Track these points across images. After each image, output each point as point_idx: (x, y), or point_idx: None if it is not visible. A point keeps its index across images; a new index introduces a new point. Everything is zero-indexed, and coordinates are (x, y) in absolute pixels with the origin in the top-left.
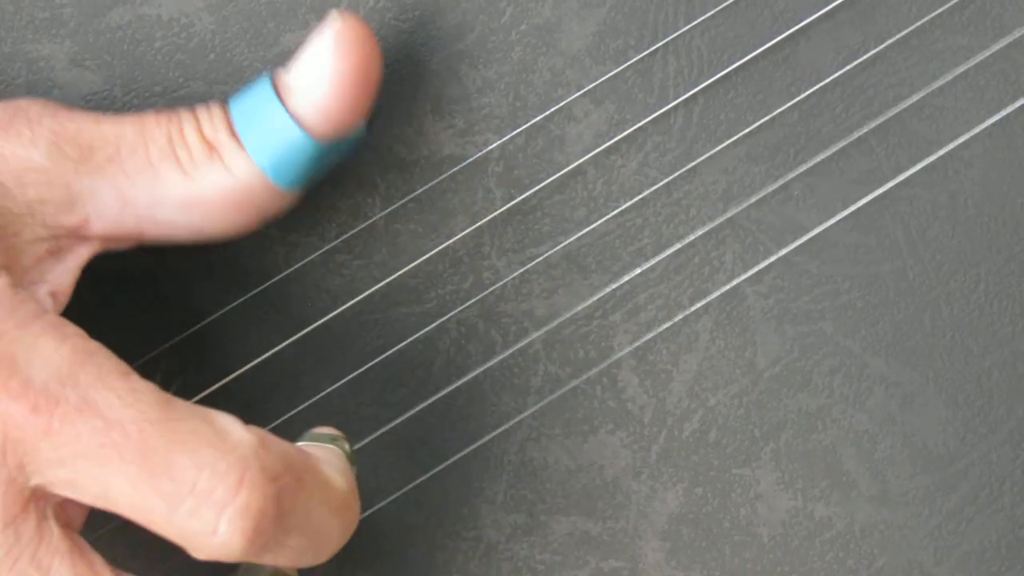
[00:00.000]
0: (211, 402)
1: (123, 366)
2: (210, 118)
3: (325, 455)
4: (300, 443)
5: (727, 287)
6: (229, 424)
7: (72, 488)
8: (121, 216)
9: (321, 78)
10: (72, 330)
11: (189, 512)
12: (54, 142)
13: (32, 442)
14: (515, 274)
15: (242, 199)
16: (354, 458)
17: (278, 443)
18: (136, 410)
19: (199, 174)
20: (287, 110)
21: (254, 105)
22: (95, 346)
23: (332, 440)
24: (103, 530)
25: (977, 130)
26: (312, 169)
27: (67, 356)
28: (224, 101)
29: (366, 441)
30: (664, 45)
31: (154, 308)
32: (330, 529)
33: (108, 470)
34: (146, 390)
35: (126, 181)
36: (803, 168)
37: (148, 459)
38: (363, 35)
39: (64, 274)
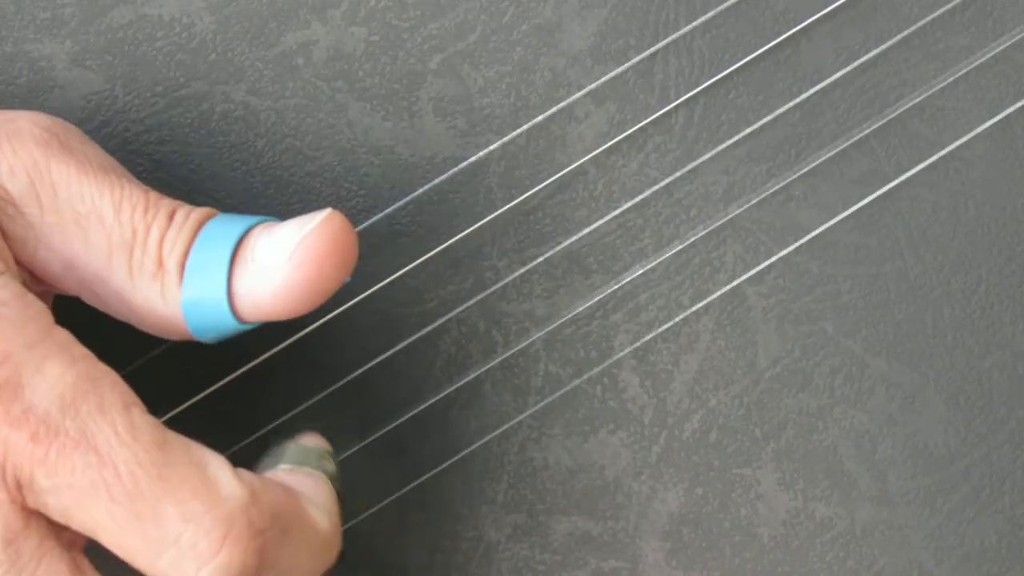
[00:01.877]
0: (211, 402)
1: (127, 396)
2: (176, 235)
3: (313, 489)
4: (285, 465)
5: (728, 287)
6: (221, 474)
7: (63, 516)
8: (65, 274)
9: (271, 276)
10: (79, 352)
11: (170, 562)
12: (31, 180)
13: (30, 468)
14: (516, 274)
15: (166, 325)
16: (337, 476)
17: (268, 493)
18: (130, 450)
19: (141, 283)
20: (227, 286)
21: (210, 253)
22: (102, 372)
23: (319, 459)
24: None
25: (978, 130)
26: (233, 335)
27: (71, 383)
28: (209, 215)
29: (366, 442)
30: (665, 45)
31: None
32: (308, 571)
33: (97, 506)
34: (144, 428)
35: (82, 248)
36: (804, 168)
37: (136, 503)
38: (335, 246)
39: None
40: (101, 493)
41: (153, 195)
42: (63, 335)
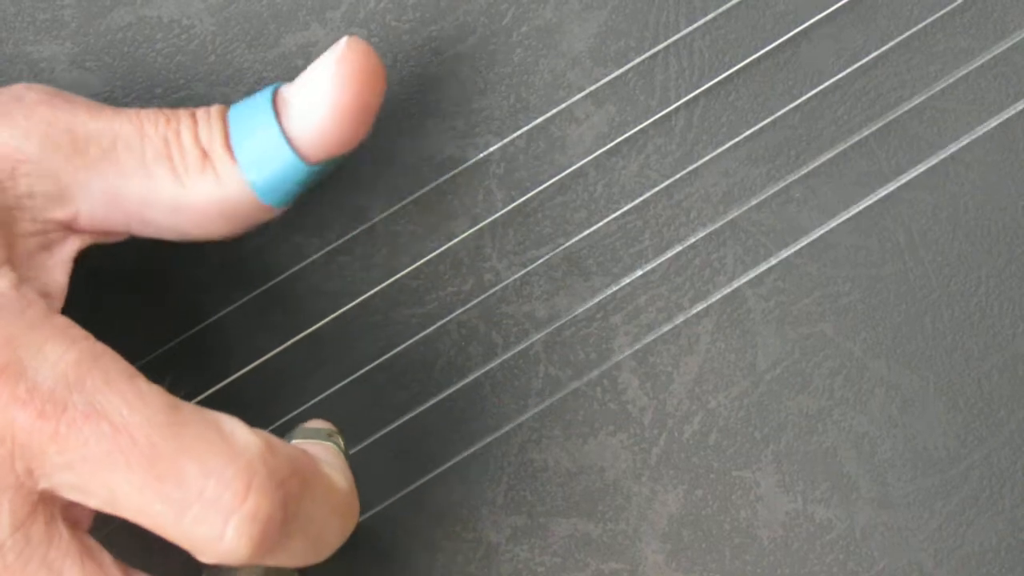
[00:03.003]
0: (211, 404)
1: (130, 369)
2: (208, 125)
3: (325, 454)
4: (296, 440)
5: (728, 289)
6: (235, 428)
7: (79, 492)
8: (110, 212)
9: (318, 105)
10: (79, 333)
11: (196, 518)
12: (48, 134)
13: (39, 447)
14: (516, 276)
15: (229, 210)
16: (347, 453)
17: (284, 447)
18: (143, 415)
19: (190, 181)
20: (282, 131)
21: (251, 119)
22: (102, 349)
23: (328, 436)
24: (108, 529)
25: (978, 132)
26: (303, 188)
27: (74, 361)
28: (226, 106)
29: (366, 443)
30: (665, 47)
31: (154, 310)
32: (331, 529)
33: (115, 475)
34: (153, 394)
35: (118, 179)
36: (804, 170)
37: (155, 465)
38: (368, 63)
39: (56, 269)
40: (118, 460)
41: (166, 109)
42: (62, 319)
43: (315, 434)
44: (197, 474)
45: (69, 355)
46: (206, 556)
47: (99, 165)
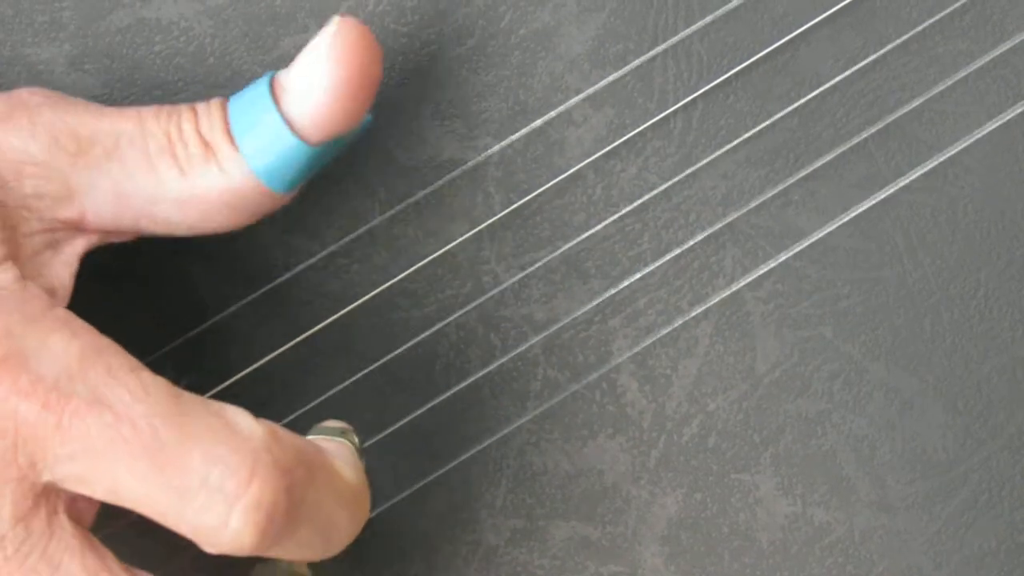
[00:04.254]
0: None
1: (132, 361)
2: (208, 117)
3: (335, 448)
4: (309, 436)
5: (727, 292)
6: (240, 417)
7: (83, 483)
8: (118, 210)
9: (316, 85)
10: (81, 325)
11: (201, 507)
12: (52, 135)
13: (43, 439)
14: (514, 279)
15: (237, 200)
16: (362, 452)
17: (289, 436)
18: (146, 405)
19: (195, 174)
20: (281, 115)
21: (250, 107)
22: (105, 342)
23: (341, 434)
24: (109, 529)
25: (977, 135)
26: (308, 171)
27: (77, 352)
28: (225, 98)
29: (366, 445)
30: (664, 50)
31: (154, 311)
32: (340, 521)
33: (119, 465)
34: (156, 384)
35: (124, 176)
36: (803, 173)
37: (159, 454)
38: (362, 40)
39: (62, 267)
40: (121, 451)
41: (166, 106)
42: (63, 312)
43: (328, 431)
44: (201, 462)
45: (72, 347)
46: (212, 546)
47: (104, 164)
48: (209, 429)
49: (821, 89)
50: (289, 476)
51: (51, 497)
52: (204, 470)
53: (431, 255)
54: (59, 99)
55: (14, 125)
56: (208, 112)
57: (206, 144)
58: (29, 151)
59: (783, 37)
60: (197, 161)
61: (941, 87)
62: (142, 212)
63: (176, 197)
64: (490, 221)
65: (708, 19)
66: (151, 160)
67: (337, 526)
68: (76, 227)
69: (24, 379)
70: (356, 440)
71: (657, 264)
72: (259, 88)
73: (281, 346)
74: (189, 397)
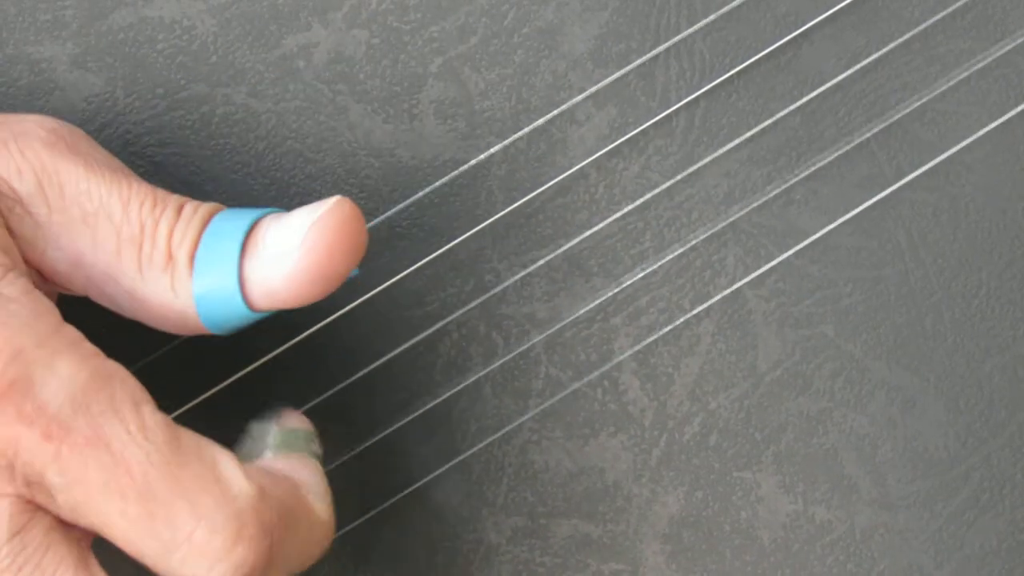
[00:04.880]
0: (212, 405)
1: (137, 394)
2: (185, 228)
3: (311, 478)
4: (278, 449)
5: (728, 290)
6: (232, 472)
7: (73, 513)
8: (72, 272)
9: (280, 263)
10: (90, 350)
11: (182, 560)
12: (38, 180)
13: (40, 466)
14: (516, 277)
15: (176, 319)
16: (321, 457)
17: (275, 488)
18: (143, 450)
19: (151, 277)
20: (238, 275)
21: (221, 243)
22: (112, 369)
23: (307, 442)
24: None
25: (979, 134)
26: (247, 325)
27: (83, 381)
28: (218, 209)
29: (368, 443)
30: (666, 49)
31: None
32: (307, 560)
33: (109, 505)
34: (156, 427)
35: (89, 245)
36: (805, 172)
37: (149, 502)
38: (342, 235)
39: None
40: (113, 492)
41: (160, 192)
42: (72, 332)
43: (294, 441)
44: (189, 517)
45: (80, 374)
46: None
47: (76, 227)
48: (201, 482)
49: (823, 88)
50: (271, 536)
51: (47, 514)
52: (191, 525)
53: (433, 253)
54: (61, 142)
55: (7, 155)
56: (188, 222)
57: (169, 255)
58: (15, 187)
59: (785, 36)
60: (157, 267)
61: (943, 86)
62: (92, 283)
63: (129, 288)
64: (492, 219)
65: (710, 18)
66: (119, 243)
67: (303, 564)
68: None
69: (28, 405)
70: (319, 449)
71: (659, 262)
72: (234, 235)
73: (282, 346)
74: (186, 441)
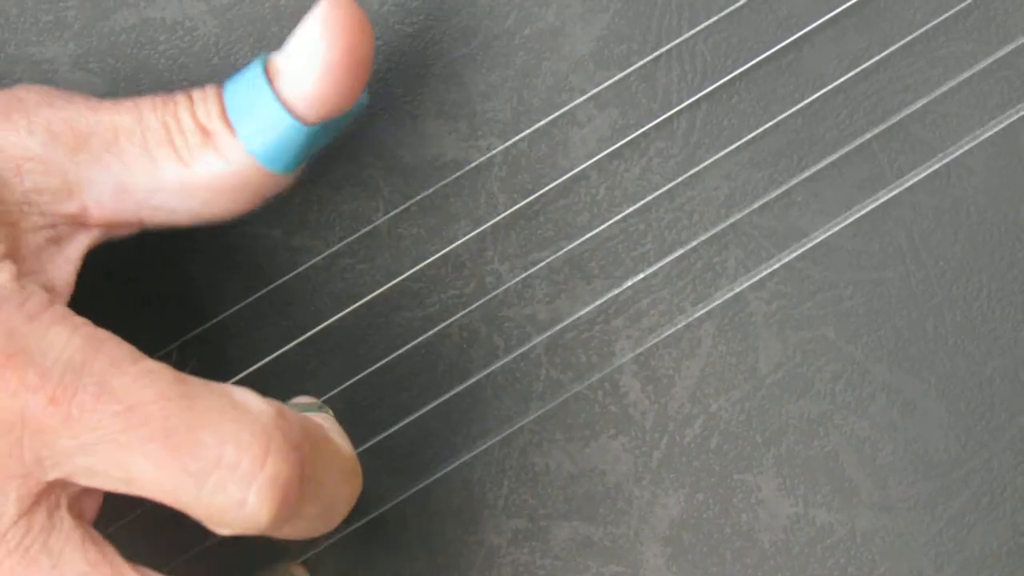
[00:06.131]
0: None
1: (134, 351)
2: (205, 103)
3: (326, 422)
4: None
5: (729, 293)
6: (247, 396)
7: (94, 475)
8: (119, 203)
9: (309, 65)
10: (79, 320)
11: (216, 486)
12: (50, 131)
13: (52, 433)
14: (518, 279)
15: (238, 184)
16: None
17: (292, 413)
18: (153, 391)
19: (195, 161)
20: (276, 97)
21: (246, 91)
22: (104, 334)
23: (319, 408)
24: (111, 528)
25: (981, 136)
26: (307, 150)
27: (79, 345)
28: (220, 84)
29: (368, 445)
30: (668, 50)
31: (156, 311)
32: (340, 495)
33: (131, 453)
34: (160, 370)
35: (123, 168)
36: (806, 174)
37: (171, 438)
38: (351, 18)
39: (64, 265)
40: (132, 438)
41: (161, 94)
42: (61, 308)
43: (308, 407)
44: (214, 442)
45: (74, 340)
46: (227, 526)
47: (103, 157)
48: (218, 409)
49: (825, 90)
50: (299, 451)
51: (54, 493)
52: (217, 450)
53: (434, 255)
54: (55, 95)
55: (11, 121)
56: (204, 99)
57: (204, 131)
58: (27, 146)
59: (787, 38)
60: (196, 149)
61: (944, 88)
62: (144, 203)
63: (177, 186)
64: (494, 221)
65: (712, 20)
66: (150, 151)
67: (338, 501)
68: (78, 222)
69: (31, 375)
70: (332, 415)
71: (660, 264)
72: (253, 71)
73: (283, 346)
74: (194, 380)
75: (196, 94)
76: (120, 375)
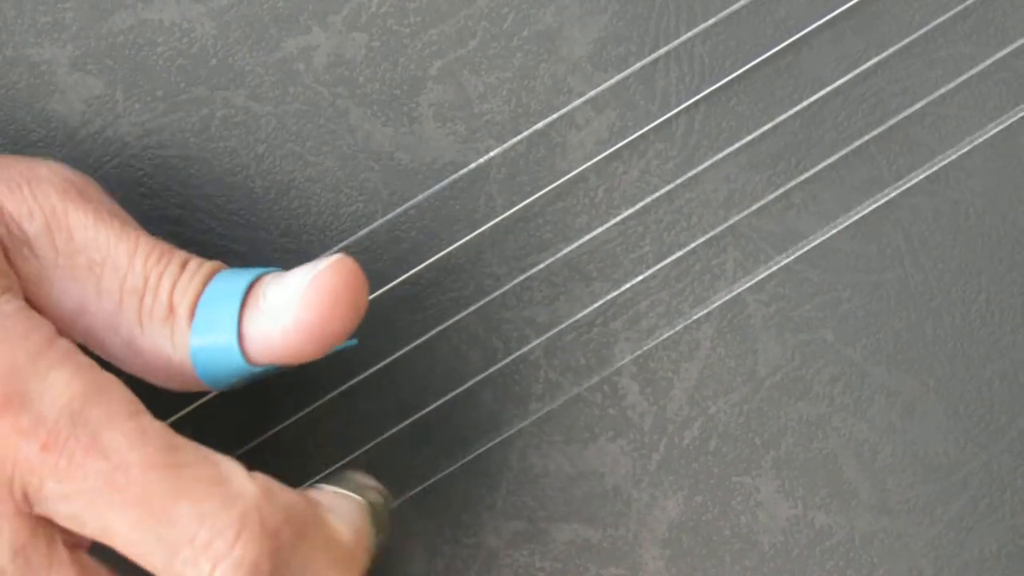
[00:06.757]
0: (210, 410)
1: (134, 404)
2: (188, 283)
3: (337, 503)
4: (326, 485)
5: (728, 295)
6: (233, 473)
7: (74, 522)
8: (74, 320)
9: (279, 318)
10: (84, 361)
11: (185, 561)
12: (49, 224)
13: (40, 478)
14: (516, 281)
15: (174, 371)
16: (383, 508)
17: (282, 493)
18: (142, 453)
19: (151, 329)
20: (238, 326)
21: (222, 299)
22: (106, 379)
23: (357, 488)
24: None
25: (979, 139)
26: (245, 380)
27: (79, 391)
28: (220, 267)
29: (365, 448)
30: (666, 52)
31: None
32: None
33: (111, 511)
34: (154, 432)
35: (93, 293)
36: (804, 176)
37: (150, 505)
38: (342, 292)
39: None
40: (114, 497)
41: (166, 246)
42: (66, 344)
43: (346, 481)
44: (191, 518)
45: (74, 385)
46: None
47: (81, 273)
48: (202, 483)
49: (823, 92)
50: (276, 538)
51: (48, 527)
52: (193, 526)
53: (433, 257)
54: (72, 189)
55: (19, 195)
56: (191, 278)
57: (171, 308)
58: (24, 227)
59: (785, 40)
60: (157, 319)
61: (943, 90)
62: (93, 335)
63: (127, 338)
64: (492, 223)
65: (710, 22)
66: (123, 293)
67: None
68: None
69: (26, 419)
70: (377, 498)
71: (658, 267)
72: (238, 285)
73: None
74: (186, 447)
75: (191, 265)
76: (114, 430)
